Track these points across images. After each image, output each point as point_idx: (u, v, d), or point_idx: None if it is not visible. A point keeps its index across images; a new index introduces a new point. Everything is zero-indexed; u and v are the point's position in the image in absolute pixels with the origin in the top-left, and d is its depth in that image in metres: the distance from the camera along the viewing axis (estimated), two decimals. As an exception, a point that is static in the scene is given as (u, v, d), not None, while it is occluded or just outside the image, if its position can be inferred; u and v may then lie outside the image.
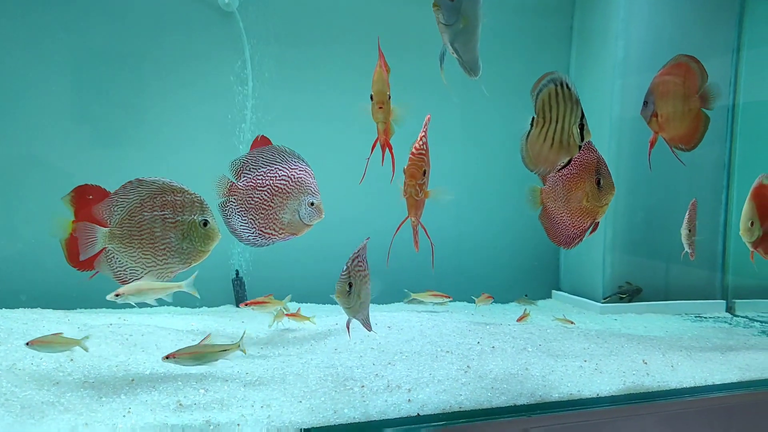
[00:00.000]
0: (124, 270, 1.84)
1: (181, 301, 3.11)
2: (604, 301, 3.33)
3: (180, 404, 1.71)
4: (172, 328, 2.31)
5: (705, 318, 3.27)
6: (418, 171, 1.98)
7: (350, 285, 1.77)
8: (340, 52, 3.31)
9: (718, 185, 3.44)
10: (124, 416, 1.59)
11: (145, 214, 1.83)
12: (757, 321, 3.23)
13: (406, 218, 2.08)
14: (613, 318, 3.19)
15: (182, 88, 3.16)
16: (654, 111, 2.47)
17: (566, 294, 3.62)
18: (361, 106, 2.08)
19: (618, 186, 3.19)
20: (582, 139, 1.92)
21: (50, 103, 2.98)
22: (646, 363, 2.29)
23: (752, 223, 2.56)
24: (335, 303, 3.30)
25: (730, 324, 3.15)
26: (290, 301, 2.72)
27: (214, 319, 2.66)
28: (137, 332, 2.21)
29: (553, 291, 3.75)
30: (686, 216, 2.66)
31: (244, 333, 2.12)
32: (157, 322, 2.47)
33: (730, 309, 3.43)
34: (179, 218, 1.84)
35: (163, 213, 1.83)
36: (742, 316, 3.34)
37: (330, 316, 2.84)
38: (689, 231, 2.60)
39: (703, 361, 2.36)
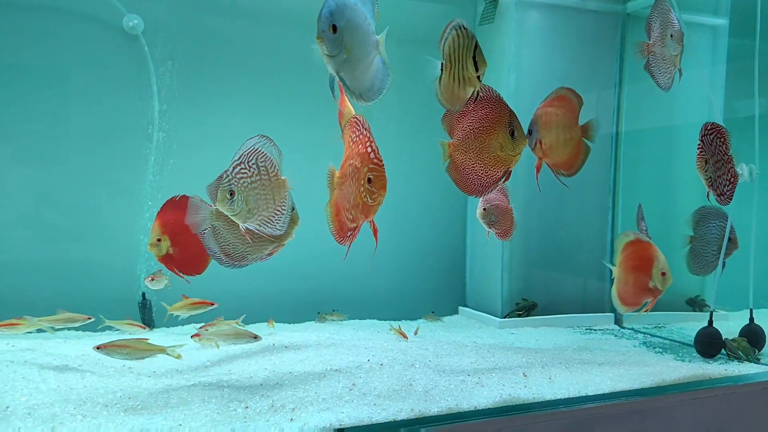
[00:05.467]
0: (228, 245, 2.07)
1: (84, 325, 3.07)
2: (504, 318, 3.51)
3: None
4: (60, 354, 2.28)
5: (594, 330, 3.50)
6: (385, 182, 2.02)
7: (231, 192, 1.81)
8: (247, 77, 3.38)
9: (604, 206, 3.71)
10: (-13, 446, 1.58)
11: None
12: (641, 333, 3.48)
13: (362, 221, 2.11)
14: (510, 332, 3.37)
15: (91, 109, 3.15)
16: (538, 139, 2.66)
17: (471, 310, 3.78)
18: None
19: (514, 208, 3.39)
20: (477, 70, 2.05)
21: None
22: (526, 376, 2.44)
23: None
24: (245, 322, 3.35)
25: (616, 336, 3.38)
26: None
27: (110, 342, 2.63)
28: (20, 359, 2.18)
29: (460, 307, 3.90)
30: None
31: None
32: (46, 348, 2.43)
33: (618, 321, 3.68)
34: None
35: None
36: (628, 328, 3.59)
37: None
38: (484, 210, 2.71)
39: (579, 373, 2.53)
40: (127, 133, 3.23)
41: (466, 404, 2.12)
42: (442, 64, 2.07)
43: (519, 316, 3.51)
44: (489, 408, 2.15)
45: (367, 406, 2.01)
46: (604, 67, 3.62)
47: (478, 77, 2.06)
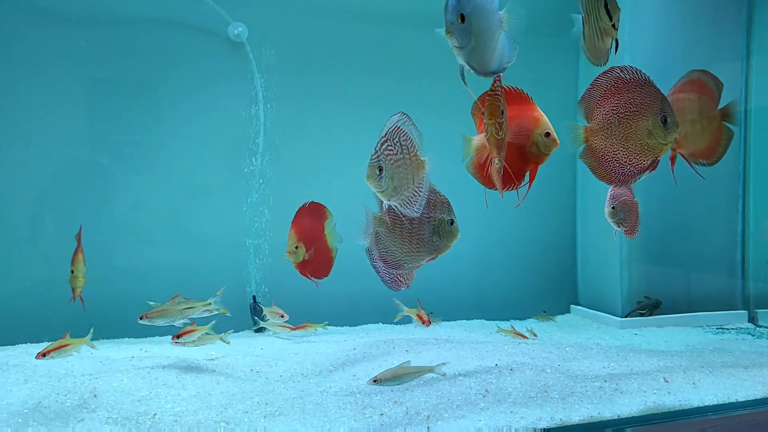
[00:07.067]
0: (387, 251, 2.04)
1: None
2: (625, 318, 3.30)
3: (202, 438, 1.73)
4: (192, 359, 2.34)
5: (727, 329, 3.22)
6: (497, 109, 1.98)
7: (380, 169, 1.78)
8: (349, 80, 3.37)
9: (733, 194, 3.40)
10: (147, 453, 1.62)
11: None
12: (780, 331, 3.18)
13: (489, 158, 2.08)
14: (634, 333, 3.16)
15: (195, 117, 3.23)
16: None
17: (585, 308, 3.60)
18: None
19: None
20: (610, 18, 1.92)
21: (67, 133, 3.07)
22: (667, 381, 2.26)
23: None
24: (353, 324, 3.33)
25: (753, 335, 3.10)
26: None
27: (233, 346, 2.69)
28: (158, 365, 2.25)
29: (572, 306, 3.73)
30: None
31: None
32: (177, 353, 2.50)
33: (752, 319, 3.38)
34: (433, 215, 2.02)
35: None
36: (765, 326, 3.28)
37: (348, 341, 2.85)
38: (612, 209, 2.56)
39: (725, 377, 2.33)
40: (233, 139, 3.28)
41: (608, 413, 1.99)
42: (582, 17, 1.95)
43: (641, 315, 3.29)
44: (634, 416, 2.00)
45: (504, 414, 1.92)
46: (729, 41, 3.32)
47: (613, 26, 1.92)
